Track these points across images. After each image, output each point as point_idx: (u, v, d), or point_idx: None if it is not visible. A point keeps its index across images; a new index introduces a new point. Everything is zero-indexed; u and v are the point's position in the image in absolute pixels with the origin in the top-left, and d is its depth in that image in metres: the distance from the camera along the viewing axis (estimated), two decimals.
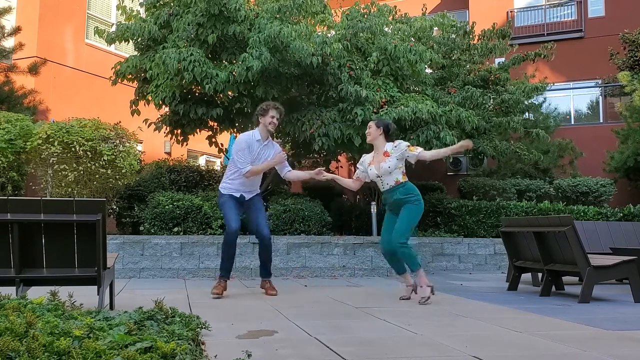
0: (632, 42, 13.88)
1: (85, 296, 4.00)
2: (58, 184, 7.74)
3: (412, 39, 9.70)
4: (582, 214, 10.45)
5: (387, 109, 8.18)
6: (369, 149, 8.74)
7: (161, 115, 9.26)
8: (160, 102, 8.26)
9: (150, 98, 8.47)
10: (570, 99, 17.10)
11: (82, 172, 7.66)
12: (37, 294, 3.53)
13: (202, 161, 15.58)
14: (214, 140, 9.60)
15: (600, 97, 16.90)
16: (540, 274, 6.57)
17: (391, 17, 10.07)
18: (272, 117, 5.54)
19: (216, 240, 7.46)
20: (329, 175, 5.60)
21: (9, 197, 3.99)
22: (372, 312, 4.43)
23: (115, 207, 8.54)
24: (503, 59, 12.12)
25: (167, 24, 8.39)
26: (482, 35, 11.12)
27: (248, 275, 7.40)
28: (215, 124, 9.33)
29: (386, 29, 9.23)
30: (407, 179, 5.28)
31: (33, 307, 3.06)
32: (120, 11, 8.84)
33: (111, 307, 4.26)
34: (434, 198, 10.97)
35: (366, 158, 5.52)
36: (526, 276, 6.91)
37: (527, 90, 11.03)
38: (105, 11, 13.75)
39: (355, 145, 8.38)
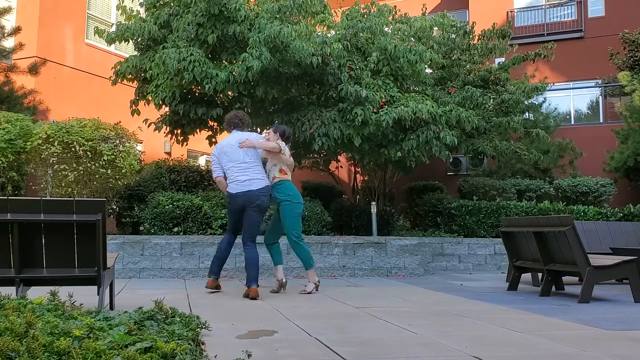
0: (632, 42, 13.87)
1: (85, 296, 4.00)
2: (58, 184, 7.74)
3: (412, 39, 9.70)
4: (582, 214, 10.45)
5: (387, 109, 8.18)
6: (369, 149, 8.81)
7: (161, 115, 9.26)
8: (160, 102, 8.26)
9: (150, 98, 8.47)
10: (570, 99, 17.08)
11: (82, 172, 7.66)
12: (37, 294, 3.53)
13: (202, 161, 15.58)
14: (214, 140, 9.59)
15: (600, 97, 16.89)
16: (540, 274, 6.57)
17: (391, 17, 10.07)
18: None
19: (216, 240, 7.46)
20: None
21: (9, 197, 3.99)
22: (372, 312, 4.43)
23: (115, 207, 8.54)
24: (503, 59, 12.13)
25: (167, 24, 8.39)
26: (482, 35, 11.13)
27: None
28: (215, 124, 9.33)
29: (386, 29, 9.24)
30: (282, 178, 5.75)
31: (33, 307, 3.06)
32: (120, 11, 8.84)
33: (111, 307, 4.26)
34: (434, 198, 10.97)
35: None
36: (526, 276, 6.91)
37: (527, 90, 11.04)
38: (105, 11, 13.75)
39: (355, 145, 8.39)
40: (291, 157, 5.82)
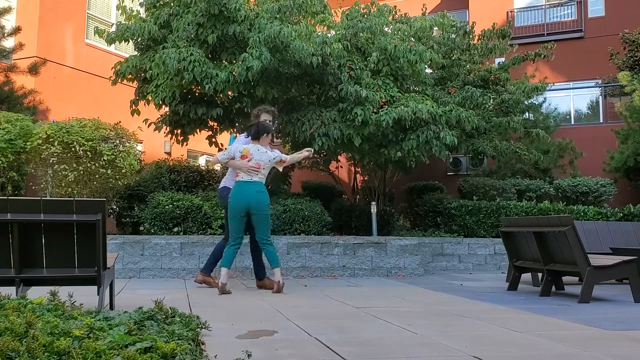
0: (632, 42, 13.87)
1: (85, 296, 4.00)
2: (58, 184, 7.74)
3: (412, 39, 9.71)
4: (582, 214, 10.45)
5: (387, 109, 8.18)
6: (369, 149, 8.81)
7: (161, 115, 9.26)
8: (160, 102, 8.26)
9: (150, 98, 8.47)
10: (570, 99, 17.09)
11: (82, 172, 7.66)
12: (37, 294, 3.53)
13: (202, 161, 15.59)
14: (214, 140, 9.60)
15: (600, 97, 16.89)
16: (540, 274, 6.57)
17: (391, 17, 10.08)
18: (265, 120, 5.93)
19: (216, 240, 7.45)
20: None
21: (9, 197, 3.99)
22: (372, 312, 4.43)
23: (115, 207, 8.54)
24: (503, 59, 12.13)
25: (167, 24, 8.39)
26: (482, 35, 11.13)
27: (248, 276, 7.39)
28: (215, 124, 9.33)
29: (386, 29, 9.24)
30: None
31: (33, 307, 3.06)
32: (120, 11, 8.85)
33: (111, 307, 4.26)
34: (434, 198, 10.97)
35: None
36: (526, 276, 6.91)
37: (527, 90, 11.04)
38: (105, 11, 13.75)
39: (355, 145, 8.39)
40: (247, 160, 5.64)
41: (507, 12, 17.62)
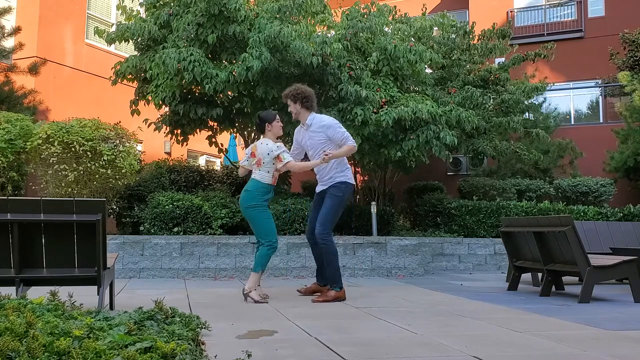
0: (632, 42, 13.88)
1: (85, 296, 4.00)
2: (58, 184, 7.74)
3: (412, 39, 9.71)
4: (582, 214, 10.45)
5: (387, 109, 8.18)
6: (369, 149, 8.81)
7: (161, 115, 9.26)
8: (160, 102, 8.26)
9: (150, 98, 8.47)
10: (570, 99, 17.09)
11: (82, 172, 7.66)
12: (37, 294, 3.53)
13: (202, 161, 15.59)
14: (214, 140, 9.60)
15: (600, 97, 16.90)
16: (540, 274, 6.57)
17: (391, 17, 10.08)
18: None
19: (216, 240, 7.46)
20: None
21: (9, 197, 3.99)
22: (372, 312, 4.43)
23: (115, 207, 8.54)
24: (503, 59, 12.14)
25: (167, 24, 8.39)
26: (482, 35, 11.14)
27: (248, 275, 7.38)
28: (215, 124, 9.33)
29: (386, 29, 9.24)
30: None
31: (33, 307, 3.06)
32: (120, 11, 8.85)
33: (111, 307, 4.26)
34: (434, 198, 10.97)
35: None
36: (526, 276, 6.91)
37: (527, 90, 11.04)
38: (105, 11, 13.75)
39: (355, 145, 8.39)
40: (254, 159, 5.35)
41: (507, 12, 17.63)
